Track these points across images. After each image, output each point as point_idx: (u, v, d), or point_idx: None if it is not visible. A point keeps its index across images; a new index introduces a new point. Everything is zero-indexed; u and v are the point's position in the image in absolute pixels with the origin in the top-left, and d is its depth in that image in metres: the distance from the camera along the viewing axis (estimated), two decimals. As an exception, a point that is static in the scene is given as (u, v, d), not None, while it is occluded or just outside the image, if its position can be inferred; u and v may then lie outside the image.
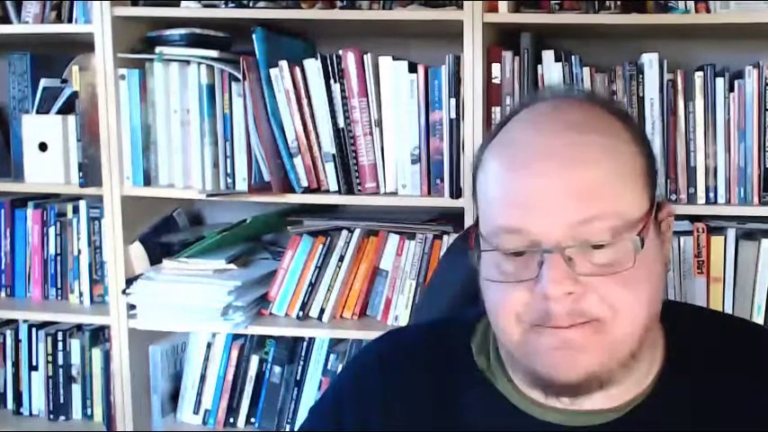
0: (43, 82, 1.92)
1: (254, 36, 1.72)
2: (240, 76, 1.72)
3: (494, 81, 1.70)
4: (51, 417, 2.00)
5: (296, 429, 0.97)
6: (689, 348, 0.82)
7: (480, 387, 0.83)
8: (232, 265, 1.81)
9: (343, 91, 1.73)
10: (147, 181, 1.83)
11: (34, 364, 2.01)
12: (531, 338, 0.75)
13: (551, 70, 1.68)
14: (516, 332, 0.75)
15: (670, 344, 0.83)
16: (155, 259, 1.86)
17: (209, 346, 1.92)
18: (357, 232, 1.81)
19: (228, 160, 1.78)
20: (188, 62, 1.78)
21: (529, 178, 0.74)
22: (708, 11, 1.65)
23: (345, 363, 0.91)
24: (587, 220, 0.72)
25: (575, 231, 0.72)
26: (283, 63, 1.74)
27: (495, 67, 1.70)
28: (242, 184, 1.78)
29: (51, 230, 1.96)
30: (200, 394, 1.93)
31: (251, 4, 1.76)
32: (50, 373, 1.99)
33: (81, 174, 1.81)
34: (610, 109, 0.80)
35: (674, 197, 1.67)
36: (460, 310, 0.96)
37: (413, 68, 1.73)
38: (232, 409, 1.92)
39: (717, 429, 0.78)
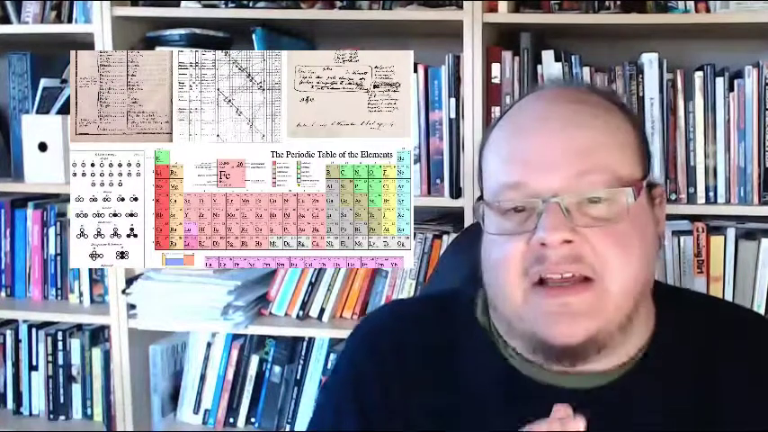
0: (43, 82, 1.93)
1: (253, 36, 1.72)
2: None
3: (493, 81, 1.70)
4: (51, 417, 2.00)
5: (313, 409, 0.98)
6: (673, 324, 0.85)
7: (485, 353, 0.85)
8: (232, 265, 1.81)
9: (343, 91, 1.73)
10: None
11: (34, 364, 2.01)
12: (531, 300, 0.77)
13: (551, 70, 1.68)
14: (517, 291, 0.78)
15: (659, 319, 0.85)
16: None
17: (209, 345, 1.92)
18: (357, 232, 1.82)
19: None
20: (188, 62, 1.78)
21: (529, 138, 0.80)
22: (708, 11, 1.66)
23: (352, 333, 0.92)
24: (583, 172, 0.77)
25: (572, 184, 0.76)
26: (283, 63, 1.74)
27: (495, 67, 1.70)
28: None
29: (51, 230, 1.96)
30: (200, 394, 1.93)
31: (251, 4, 1.76)
32: (50, 373, 1.99)
33: (81, 174, 1.81)
34: (608, 97, 0.86)
35: (674, 197, 1.68)
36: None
37: (413, 68, 1.73)
38: (232, 409, 1.92)
39: (697, 399, 0.81)
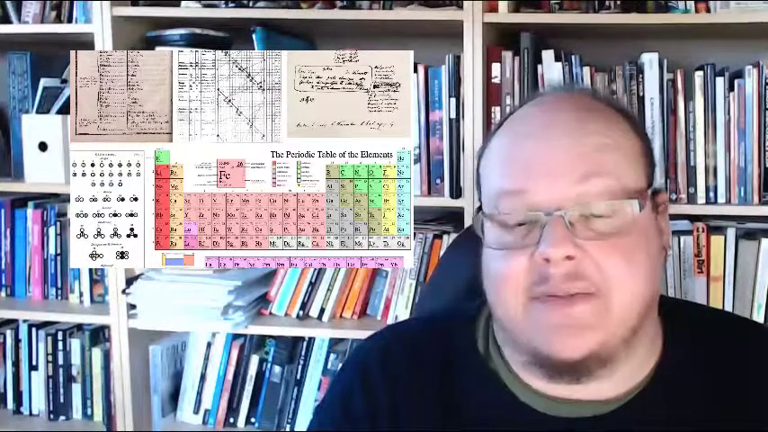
0: (43, 82, 1.93)
1: (254, 36, 1.72)
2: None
3: (494, 81, 1.70)
4: (51, 417, 2.00)
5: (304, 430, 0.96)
6: (688, 342, 0.83)
7: (483, 378, 0.83)
8: (232, 265, 1.82)
9: (343, 91, 1.73)
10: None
11: (34, 363, 2.01)
12: (532, 314, 0.74)
13: (551, 70, 1.69)
14: (518, 306, 0.75)
15: (668, 337, 0.83)
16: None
17: (209, 345, 1.93)
18: (357, 232, 1.82)
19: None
20: (188, 62, 1.79)
21: (531, 144, 0.77)
22: (708, 11, 1.66)
23: (346, 359, 0.90)
24: (587, 175, 0.74)
25: (575, 192, 0.74)
26: (283, 63, 1.74)
27: (495, 67, 1.70)
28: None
29: (51, 230, 1.96)
30: (200, 394, 1.93)
31: (251, 4, 1.76)
32: (50, 373, 1.99)
33: (81, 174, 1.81)
34: (610, 103, 0.84)
35: (674, 197, 1.68)
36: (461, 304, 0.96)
37: (413, 68, 1.73)
38: (232, 409, 1.92)
39: (714, 424, 0.78)
